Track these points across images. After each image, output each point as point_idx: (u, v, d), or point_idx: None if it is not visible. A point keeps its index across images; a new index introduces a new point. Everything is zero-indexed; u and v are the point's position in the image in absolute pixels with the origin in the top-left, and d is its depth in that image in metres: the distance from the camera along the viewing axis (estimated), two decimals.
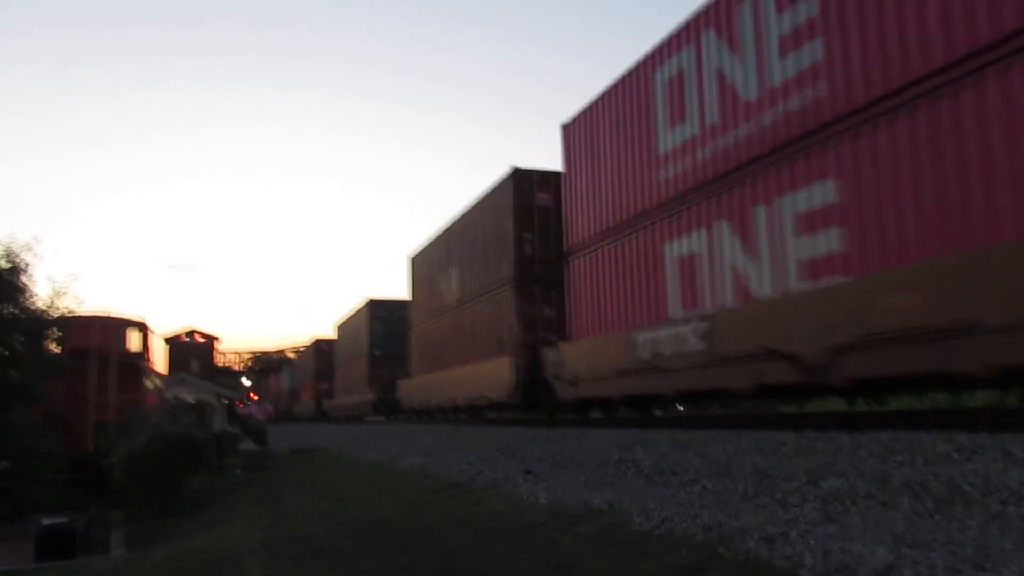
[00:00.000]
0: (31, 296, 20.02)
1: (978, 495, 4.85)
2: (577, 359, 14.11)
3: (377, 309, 34.79)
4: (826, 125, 8.72)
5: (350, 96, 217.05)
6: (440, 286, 22.80)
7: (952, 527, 4.57)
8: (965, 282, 6.99)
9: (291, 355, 77.00)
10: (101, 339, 25.12)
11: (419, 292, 26.07)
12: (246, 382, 71.85)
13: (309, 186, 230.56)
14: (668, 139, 11.72)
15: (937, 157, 7.44)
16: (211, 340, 66.09)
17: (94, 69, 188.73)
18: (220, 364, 75.27)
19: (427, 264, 25.07)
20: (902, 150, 7.81)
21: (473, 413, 21.57)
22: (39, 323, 20.12)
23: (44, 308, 20.26)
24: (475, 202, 20.07)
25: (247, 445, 31.10)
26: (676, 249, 11.44)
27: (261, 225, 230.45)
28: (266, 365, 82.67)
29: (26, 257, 19.63)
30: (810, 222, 8.95)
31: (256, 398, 65.68)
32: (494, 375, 17.21)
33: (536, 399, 16.13)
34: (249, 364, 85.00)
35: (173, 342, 59.23)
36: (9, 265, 19.31)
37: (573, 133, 15.08)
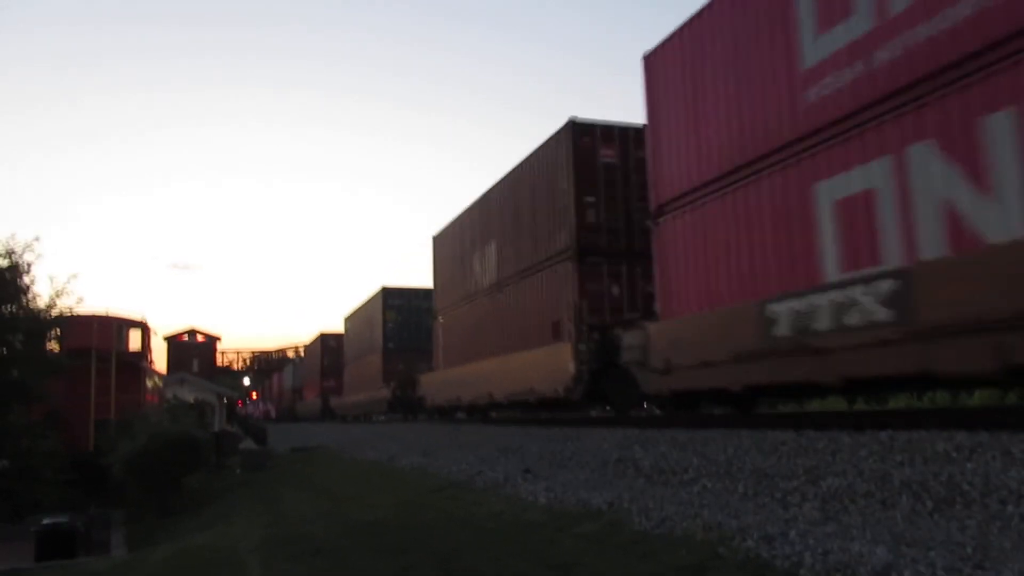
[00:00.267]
0: (31, 296, 20.01)
1: (978, 494, 4.85)
2: (672, 342, 11.25)
3: (392, 298, 32.38)
4: None
5: (350, 96, 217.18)
6: (473, 267, 20.27)
7: (952, 526, 4.57)
8: None
9: (291, 354, 76.95)
10: (101, 339, 25.10)
11: (445, 275, 23.38)
12: (246, 382, 71.78)
13: (309, 186, 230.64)
14: (819, 47, 9.00)
15: None
16: (211, 340, 66.15)
17: (94, 69, 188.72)
18: (220, 364, 75.27)
19: (456, 243, 22.35)
20: None
21: (520, 410, 19.38)
22: (39, 323, 20.10)
23: (44, 307, 20.25)
24: (520, 164, 17.34)
25: (247, 444, 31.13)
26: (836, 189, 8.70)
27: (261, 225, 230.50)
28: (266, 364, 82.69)
29: (26, 257, 19.62)
30: None
31: (256, 397, 65.46)
32: (548, 366, 14.78)
33: (604, 392, 13.76)
34: (248, 364, 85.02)
35: (173, 341, 59.34)
36: (9, 265, 19.29)
37: (661, 64, 12.14)
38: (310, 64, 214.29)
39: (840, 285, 8.42)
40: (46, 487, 18.79)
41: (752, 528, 4.96)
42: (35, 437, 19.49)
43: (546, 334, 15.24)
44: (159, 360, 39.43)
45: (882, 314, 7.80)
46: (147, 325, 29.26)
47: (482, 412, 20.99)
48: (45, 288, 20.78)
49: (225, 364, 79.20)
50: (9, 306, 19.34)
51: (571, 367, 13.86)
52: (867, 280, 8.05)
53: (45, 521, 14.49)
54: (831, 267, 8.70)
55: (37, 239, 19.89)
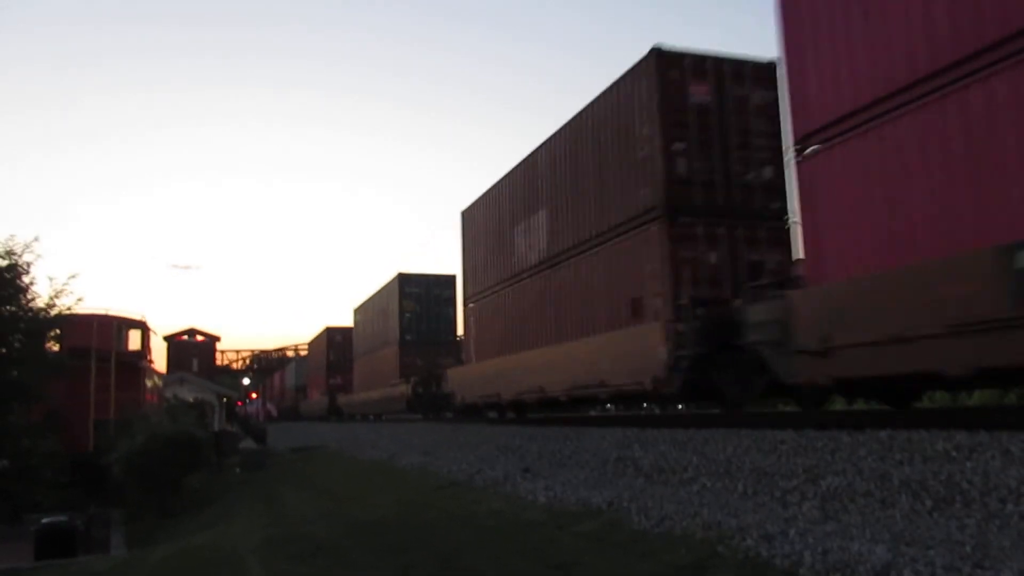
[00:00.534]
0: (31, 296, 20.01)
1: (977, 493, 4.85)
2: (833, 313, 8.35)
3: (409, 286, 29.51)
4: None
5: (350, 96, 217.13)
6: (514, 243, 17.53)
7: (951, 525, 4.57)
8: None
9: (291, 354, 76.85)
10: (101, 338, 25.07)
11: (477, 256, 20.40)
12: (246, 382, 71.70)
13: (309, 186, 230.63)
14: None
15: None
16: (211, 340, 66.17)
17: (94, 69, 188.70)
18: (220, 363, 75.24)
19: (491, 217, 19.39)
20: None
21: (582, 407, 17.22)
22: (39, 322, 20.10)
23: (44, 307, 20.25)
24: (582, 113, 14.52)
25: (247, 444, 31.12)
26: None
27: (261, 225, 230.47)
28: (266, 364, 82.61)
29: (26, 257, 19.61)
30: None
31: (255, 397, 65.28)
32: (626, 353, 12.25)
33: (712, 383, 10.89)
34: (248, 363, 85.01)
35: (173, 341, 59.25)
36: (9, 265, 19.29)
37: None
38: (310, 64, 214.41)
39: None
40: (46, 488, 18.79)
41: (751, 527, 4.96)
42: (35, 437, 19.48)
43: (620, 315, 12.65)
44: (159, 360, 39.27)
45: None
46: (147, 325, 29.23)
47: (529, 410, 18.52)
48: (45, 288, 20.66)
49: (225, 364, 79.16)
50: (9, 306, 19.33)
51: (662, 353, 11.15)
52: None
53: (44, 520, 14.48)
54: None
55: (36, 239, 19.88)
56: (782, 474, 6.38)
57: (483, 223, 20.16)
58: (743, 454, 7.33)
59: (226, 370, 76.59)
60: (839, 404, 12.96)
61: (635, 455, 8.65)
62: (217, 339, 67.39)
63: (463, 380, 20.81)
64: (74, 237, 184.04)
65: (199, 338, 64.68)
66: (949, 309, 6.94)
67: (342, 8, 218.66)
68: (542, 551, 5.73)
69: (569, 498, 7.18)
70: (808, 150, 9.14)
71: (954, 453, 5.70)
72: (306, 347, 71.69)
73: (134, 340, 28.29)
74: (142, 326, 28.79)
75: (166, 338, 56.89)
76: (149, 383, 29.81)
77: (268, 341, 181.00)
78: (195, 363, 57.64)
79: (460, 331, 28.41)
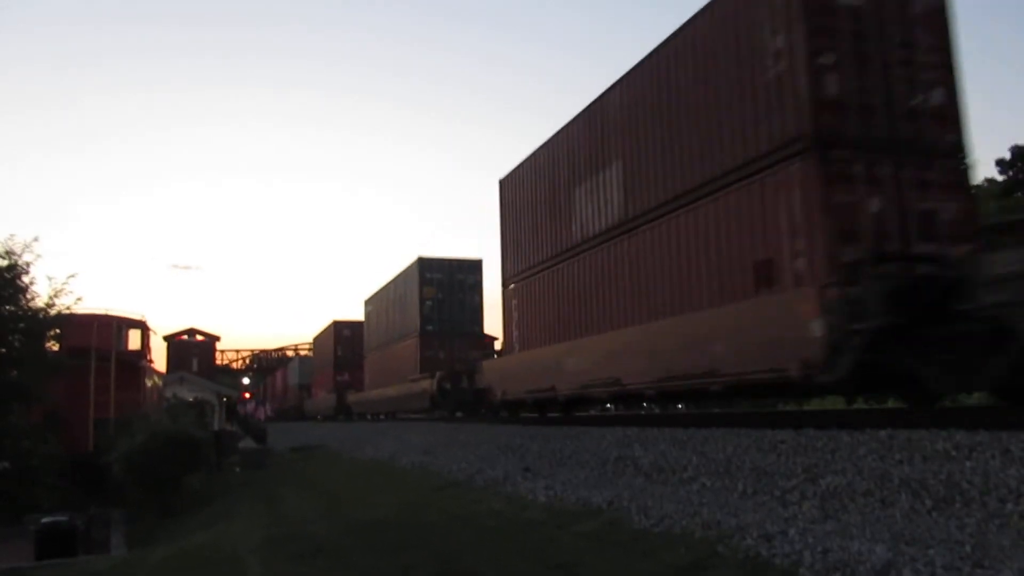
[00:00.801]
0: (31, 295, 20.00)
1: (977, 493, 4.85)
2: None
3: (430, 270, 26.64)
4: None
5: (350, 96, 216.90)
6: (573, 209, 14.74)
7: (951, 524, 4.57)
8: None
9: (291, 354, 76.80)
10: (100, 338, 25.06)
11: (522, 229, 17.55)
12: (246, 381, 71.64)
13: (309, 186, 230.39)
14: None
15: None
16: (211, 339, 66.12)
17: (94, 69, 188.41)
18: (220, 363, 75.21)
19: (541, 181, 16.56)
20: None
21: (675, 402, 15.62)
22: (39, 322, 20.09)
23: (44, 307, 20.24)
24: (679, 32, 11.69)
25: (247, 444, 31.11)
26: None
27: (261, 225, 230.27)
28: (266, 364, 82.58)
29: (26, 256, 19.61)
30: None
31: (249, 396, 65.05)
32: (758, 329, 9.35)
33: (902, 369, 8.03)
34: (248, 363, 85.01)
35: (173, 341, 59.14)
36: (8, 265, 19.29)
37: None
38: (310, 64, 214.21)
39: None
40: (46, 488, 18.78)
41: (751, 526, 4.97)
42: (35, 438, 19.47)
43: (737, 284, 9.92)
44: (159, 360, 39.26)
45: None
46: (147, 325, 29.22)
47: (592, 407, 16.38)
48: (44, 288, 20.63)
49: (225, 364, 79.13)
50: (9, 306, 19.32)
51: (816, 328, 8.43)
52: None
53: (45, 520, 14.47)
54: None
55: (36, 239, 19.87)
56: (782, 473, 6.39)
57: (529, 190, 17.16)
58: (743, 453, 7.34)
59: (226, 370, 76.56)
60: (839, 404, 12.97)
61: (635, 454, 8.66)
62: (217, 339, 67.33)
63: (503, 373, 17.94)
64: (74, 237, 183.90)
65: (199, 338, 64.60)
66: None
67: (342, 8, 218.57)
68: (542, 551, 5.73)
69: (569, 498, 7.19)
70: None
71: (954, 453, 5.70)
72: (307, 347, 71.62)
73: (134, 340, 28.28)
74: (142, 326, 28.78)
75: (166, 338, 56.86)
76: (149, 383, 29.80)
77: (268, 341, 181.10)
78: (195, 363, 57.54)
79: (488, 320, 27.39)
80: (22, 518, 17.13)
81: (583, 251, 14.42)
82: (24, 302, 19.77)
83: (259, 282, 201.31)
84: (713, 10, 10.94)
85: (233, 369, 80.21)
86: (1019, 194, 28.29)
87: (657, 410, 21.44)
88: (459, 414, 23.34)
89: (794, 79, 9.31)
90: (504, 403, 18.00)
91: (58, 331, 21.70)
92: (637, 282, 12.49)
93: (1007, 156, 29.28)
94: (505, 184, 18.84)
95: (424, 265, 26.79)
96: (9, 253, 19.29)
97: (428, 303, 26.26)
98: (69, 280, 20.56)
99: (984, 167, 36.83)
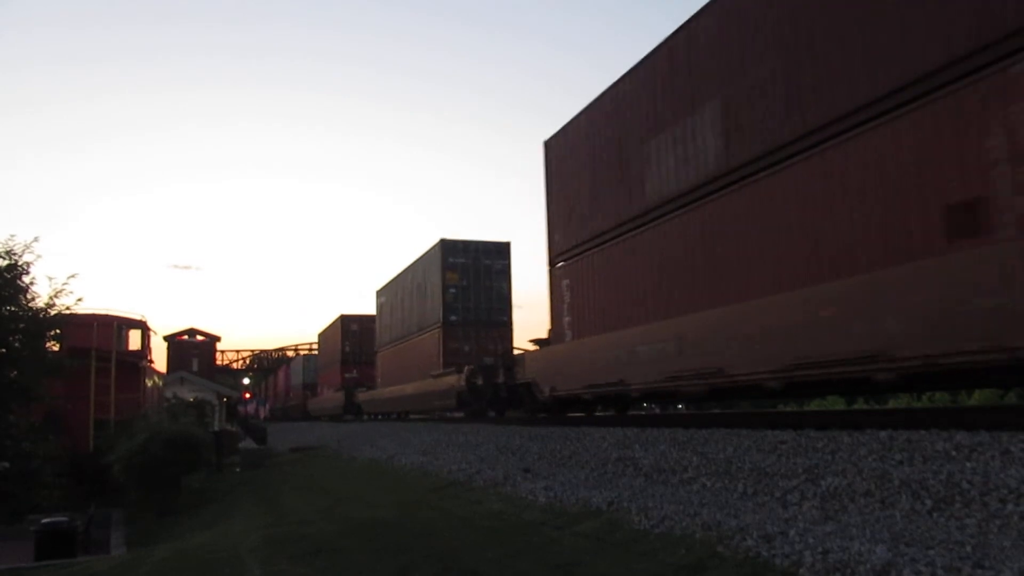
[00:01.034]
0: (31, 296, 19.99)
1: (977, 493, 4.85)
2: None
3: (453, 254, 24.11)
4: None
5: (350, 96, 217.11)
6: (648, 165, 12.07)
7: (951, 525, 4.57)
8: None
9: (291, 355, 76.79)
10: (101, 338, 25.06)
11: (575, 198, 14.76)
12: (246, 381, 71.59)
13: (309, 186, 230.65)
14: None
15: None
16: (211, 339, 66.10)
17: (94, 69, 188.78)
18: (220, 363, 75.19)
19: (601, 137, 13.73)
20: None
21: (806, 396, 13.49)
22: (39, 323, 20.09)
23: (44, 307, 20.24)
24: None
25: (247, 444, 31.13)
26: None
27: (261, 225, 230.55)
28: (266, 364, 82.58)
29: (26, 257, 19.60)
30: None
31: (249, 396, 64.69)
32: (958, 298, 7.05)
33: None
34: (248, 363, 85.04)
35: (173, 341, 59.09)
36: (8, 265, 19.28)
37: None
38: (311, 64, 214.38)
39: None
40: (46, 490, 18.78)
41: (751, 527, 4.96)
42: (35, 438, 19.47)
43: (916, 237, 7.62)
44: (159, 360, 39.22)
45: None
46: (147, 325, 29.20)
47: (676, 403, 14.69)
48: (44, 288, 20.61)
49: (225, 364, 79.14)
50: (9, 306, 19.32)
51: None
52: None
53: (44, 520, 14.47)
54: None
55: (36, 239, 19.86)
56: (782, 474, 6.38)
57: (585, 149, 14.43)
58: (743, 454, 7.33)
59: (226, 370, 76.60)
60: (839, 404, 12.99)
61: (635, 455, 8.65)
62: (217, 339, 67.27)
63: (552, 365, 15.26)
64: (74, 237, 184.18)
65: (199, 338, 64.56)
66: None
67: (342, 8, 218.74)
68: (542, 551, 5.72)
69: (569, 498, 7.19)
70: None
71: (954, 453, 5.70)
72: (307, 347, 71.64)
73: (134, 340, 28.27)
74: (142, 326, 28.77)
75: (166, 338, 56.83)
76: (149, 383, 29.79)
77: (268, 341, 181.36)
78: (195, 363, 57.45)
79: (517, 309, 25.22)
80: (22, 518, 17.14)
81: (663, 215, 11.82)
82: (24, 302, 19.76)
83: (259, 282, 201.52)
84: None
85: (233, 369, 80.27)
86: None
87: (658, 410, 21.40)
88: (491, 414, 20.99)
89: None
90: (554, 400, 15.25)
91: (58, 331, 21.69)
92: (745, 247, 9.97)
93: None
94: (553, 146, 15.93)
95: (447, 248, 24.05)
96: (9, 253, 19.28)
97: (451, 290, 23.73)
98: (69, 280, 20.56)
99: None
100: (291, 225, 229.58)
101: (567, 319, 14.87)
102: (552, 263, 15.69)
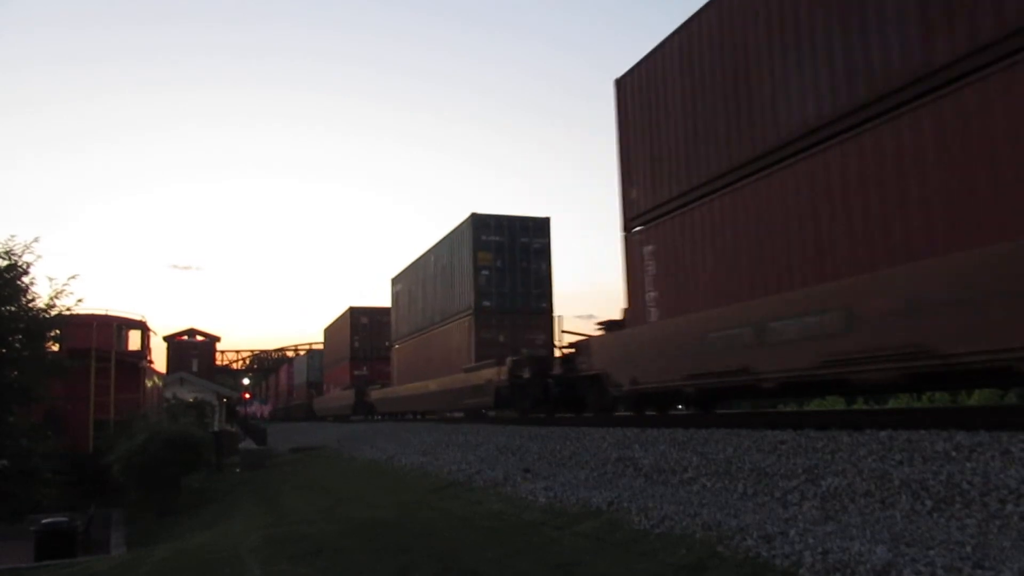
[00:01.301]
0: (31, 296, 20.00)
1: (977, 493, 4.85)
2: None
3: (486, 231, 20.89)
4: None
5: (351, 96, 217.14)
6: (775, 93, 9.52)
7: (951, 525, 4.57)
8: None
9: (291, 355, 76.79)
10: (101, 339, 25.06)
11: (664, 139, 11.85)
12: (246, 381, 71.58)
13: (309, 186, 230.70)
14: None
15: None
16: (211, 340, 66.10)
17: (94, 69, 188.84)
18: (220, 363, 75.20)
19: (703, 62, 10.99)
20: None
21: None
22: (39, 323, 20.09)
23: (44, 308, 20.25)
24: None
25: (246, 444, 31.13)
26: None
27: (261, 225, 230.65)
28: (266, 364, 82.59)
29: (26, 257, 19.61)
30: None
31: (249, 397, 64.49)
32: None
33: None
34: (248, 363, 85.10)
35: (173, 341, 59.06)
36: (8, 265, 19.28)
37: None
38: (311, 64, 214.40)
39: None
40: (45, 489, 18.78)
41: (751, 527, 4.97)
42: (35, 438, 19.48)
43: None
44: (159, 360, 39.16)
45: None
46: (147, 325, 29.20)
47: (852, 395, 11.57)
48: (45, 289, 20.62)
49: (225, 364, 79.15)
50: (9, 307, 19.32)
51: None
52: None
53: (44, 520, 14.47)
54: None
55: (36, 240, 19.87)
56: (782, 474, 6.39)
57: (676, 82, 11.61)
58: (743, 454, 7.34)
59: (226, 370, 76.61)
60: (839, 404, 13.00)
61: (635, 455, 8.65)
62: (217, 339, 67.24)
63: (634, 352, 12.20)
64: (74, 237, 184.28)
65: (199, 338, 64.54)
66: None
67: (343, 8, 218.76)
68: (542, 551, 5.73)
69: (569, 498, 7.19)
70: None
71: (954, 453, 5.70)
72: (307, 347, 71.52)
73: (134, 340, 28.27)
74: (142, 326, 28.78)
75: (166, 338, 56.80)
76: (149, 383, 29.78)
77: (268, 341, 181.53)
78: (195, 363, 57.39)
79: (558, 294, 21.59)
80: (22, 517, 17.14)
81: (790, 157, 9.21)
82: (24, 303, 19.77)
83: (259, 282, 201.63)
84: None
85: (233, 369, 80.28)
86: None
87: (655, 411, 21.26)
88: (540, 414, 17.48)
89: None
90: (635, 395, 12.44)
91: (58, 332, 21.71)
92: (972, 180, 7.03)
93: None
94: (628, 85, 13.01)
95: (478, 224, 20.89)
96: (9, 253, 19.29)
97: (484, 272, 20.66)
98: (70, 281, 20.57)
99: None
100: (291, 225, 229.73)
101: (651, 294, 11.95)
102: (627, 228, 12.81)
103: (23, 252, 19.52)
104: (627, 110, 13.08)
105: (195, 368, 54.62)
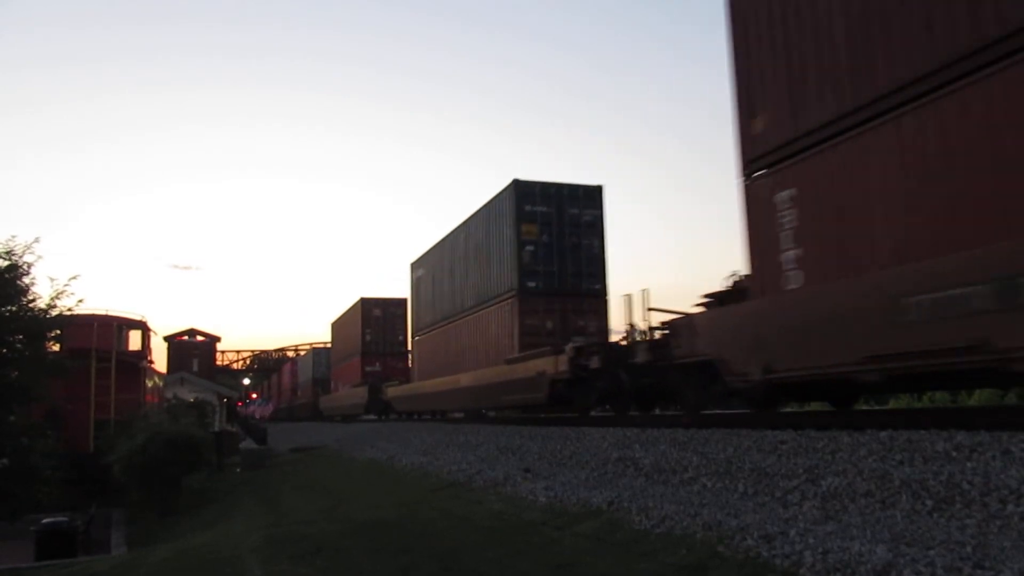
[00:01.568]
0: (32, 296, 20.01)
1: (977, 493, 4.85)
2: None
3: (530, 201, 17.92)
4: None
5: (351, 96, 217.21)
6: None
7: (951, 525, 4.57)
8: None
9: (291, 354, 76.78)
10: (101, 339, 25.07)
11: (807, 43, 8.52)
12: (246, 382, 71.58)
13: (309, 186, 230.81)
14: None
15: None
16: (211, 340, 66.10)
17: (94, 69, 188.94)
18: (220, 363, 75.20)
19: None
20: None
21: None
22: (39, 323, 20.10)
23: (44, 308, 20.26)
24: None
25: (247, 444, 31.14)
26: None
27: (261, 225, 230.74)
28: (266, 364, 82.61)
29: (27, 257, 19.61)
30: None
31: (255, 396, 64.48)
32: None
33: None
34: (248, 363, 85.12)
35: (173, 341, 59.08)
36: (9, 265, 19.29)
37: None
38: (311, 64, 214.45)
39: None
40: (46, 488, 18.78)
41: (752, 527, 4.97)
42: (35, 438, 19.49)
43: None
44: (159, 360, 39.11)
45: None
46: (147, 325, 29.21)
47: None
48: (45, 289, 20.66)
49: (225, 364, 79.16)
50: (9, 307, 19.33)
51: None
52: None
53: (45, 520, 14.48)
54: None
55: (37, 240, 19.88)
56: (782, 474, 6.39)
57: None
58: (743, 454, 7.34)
59: (226, 370, 76.62)
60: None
61: (635, 455, 8.65)
62: (217, 339, 67.26)
63: (762, 331, 9.12)
64: (74, 237, 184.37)
65: (199, 338, 64.54)
66: None
67: (342, 8, 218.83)
68: (543, 551, 5.73)
69: (570, 498, 7.19)
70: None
71: (954, 453, 5.70)
72: (307, 347, 71.45)
73: (134, 340, 28.28)
74: (142, 326, 28.79)
75: (166, 338, 56.82)
76: (149, 383, 29.79)
77: (268, 341, 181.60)
78: (195, 363, 57.41)
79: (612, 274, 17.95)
80: (22, 517, 17.15)
81: None
82: (25, 303, 19.78)
83: (259, 282, 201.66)
84: None
85: (233, 369, 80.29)
86: None
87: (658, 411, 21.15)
88: (604, 408, 15.03)
89: None
90: (770, 386, 9.13)
91: (59, 332, 21.72)
92: None
93: None
94: (739, 5, 9.89)
95: (522, 192, 17.86)
96: (9, 254, 19.30)
97: (529, 248, 17.72)
98: (71, 282, 20.57)
99: None
100: (291, 225, 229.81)
101: (791, 253, 8.82)
102: (749, 172, 9.61)
103: (24, 252, 19.54)
104: (741, 9, 9.81)
105: (195, 368, 54.63)
